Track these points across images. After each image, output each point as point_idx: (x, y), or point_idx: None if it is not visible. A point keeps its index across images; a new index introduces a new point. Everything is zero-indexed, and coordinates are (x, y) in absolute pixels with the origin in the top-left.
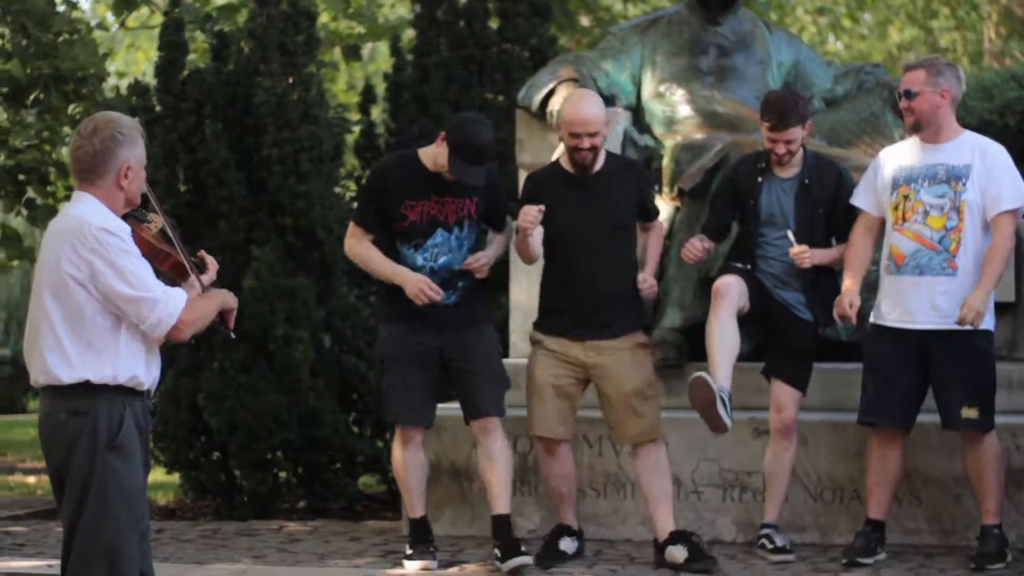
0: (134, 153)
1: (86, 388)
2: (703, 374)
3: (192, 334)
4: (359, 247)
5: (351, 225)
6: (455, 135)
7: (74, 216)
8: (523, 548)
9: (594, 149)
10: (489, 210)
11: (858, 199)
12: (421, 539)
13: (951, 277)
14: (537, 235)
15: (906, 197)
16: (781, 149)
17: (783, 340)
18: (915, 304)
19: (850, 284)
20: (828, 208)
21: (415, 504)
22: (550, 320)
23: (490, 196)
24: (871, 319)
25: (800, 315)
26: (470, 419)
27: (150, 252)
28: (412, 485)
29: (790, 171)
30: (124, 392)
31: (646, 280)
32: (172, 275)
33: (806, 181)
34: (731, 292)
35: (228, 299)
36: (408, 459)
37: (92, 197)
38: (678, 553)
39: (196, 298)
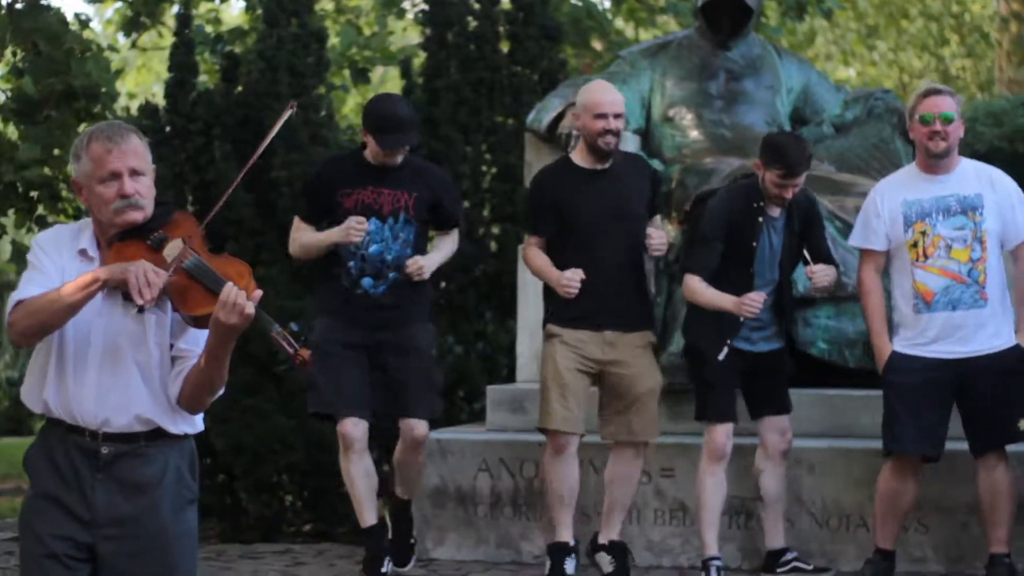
0: (78, 169)
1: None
2: None
3: (28, 336)
4: (296, 238)
5: (295, 221)
6: (365, 116)
7: None
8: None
9: (617, 133)
10: (434, 207)
11: (861, 239)
12: (375, 553)
13: (983, 308)
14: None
15: (923, 233)
16: (789, 194)
17: (767, 382)
18: (951, 337)
19: (883, 342)
20: (803, 237)
21: (364, 511)
22: (567, 311)
23: (435, 193)
24: (895, 347)
25: (775, 348)
26: (397, 418)
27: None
28: (360, 491)
29: (779, 209)
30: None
31: (653, 233)
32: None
33: (791, 216)
34: (727, 450)
35: (104, 274)
36: (352, 466)
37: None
38: (605, 564)
39: (45, 293)
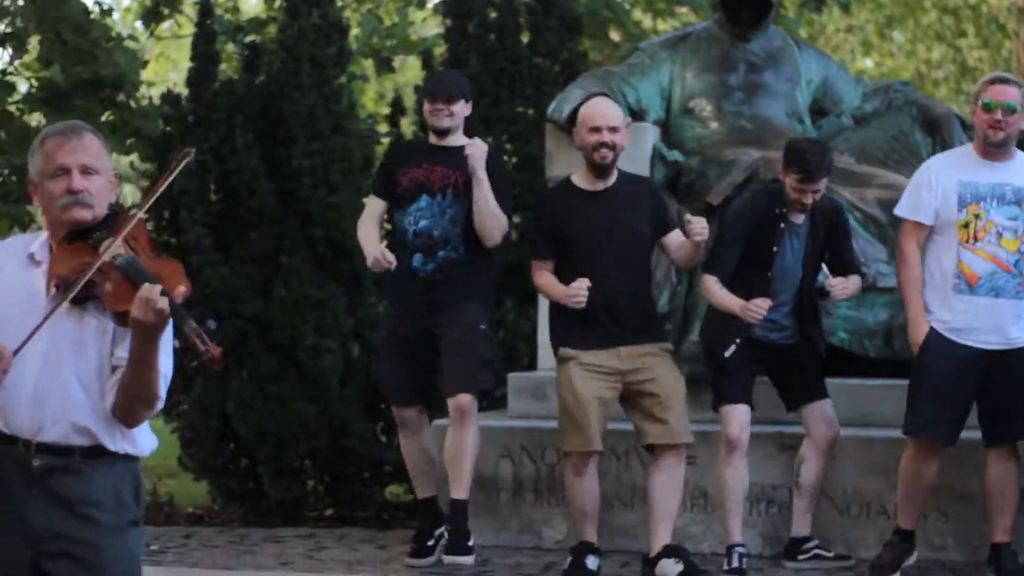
0: (33, 167)
1: None
2: None
3: None
4: (361, 222)
5: (370, 197)
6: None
7: None
8: (471, 544)
9: (614, 147)
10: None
11: (909, 211)
12: (422, 527)
13: (1022, 301)
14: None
15: (977, 216)
16: (809, 199)
17: (794, 371)
18: (989, 325)
19: (920, 314)
20: (827, 245)
21: (416, 486)
22: (577, 334)
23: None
24: (931, 325)
25: (795, 342)
26: (445, 397)
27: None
28: (410, 468)
29: (802, 215)
30: None
31: (691, 220)
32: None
33: (815, 224)
34: (745, 437)
35: None
36: (404, 445)
37: None
38: (671, 568)
39: None
